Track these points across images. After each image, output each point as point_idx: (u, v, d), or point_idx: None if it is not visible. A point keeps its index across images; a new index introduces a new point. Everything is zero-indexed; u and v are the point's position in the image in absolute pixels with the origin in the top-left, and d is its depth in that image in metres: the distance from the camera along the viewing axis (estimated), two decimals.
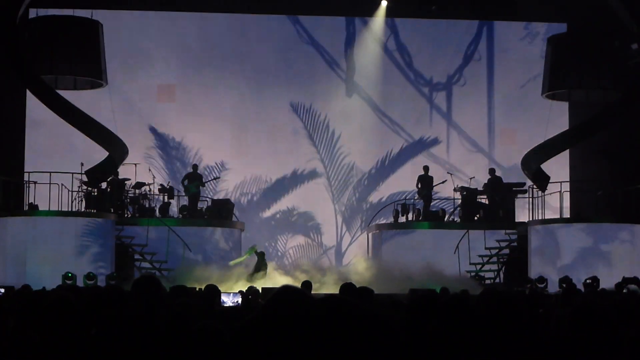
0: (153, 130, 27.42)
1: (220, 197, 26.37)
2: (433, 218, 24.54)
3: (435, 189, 24.97)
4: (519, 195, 24.37)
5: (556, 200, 23.41)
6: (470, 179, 25.39)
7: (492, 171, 24.83)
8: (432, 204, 25.03)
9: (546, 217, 23.35)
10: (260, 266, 22.50)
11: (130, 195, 24.18)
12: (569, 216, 23.53)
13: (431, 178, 24.86)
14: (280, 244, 27.63)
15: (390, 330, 2.90)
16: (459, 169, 27.07)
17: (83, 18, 24.22)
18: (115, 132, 23.28)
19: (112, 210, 23.05)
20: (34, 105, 25.01)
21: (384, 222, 26.07)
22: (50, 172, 22.18)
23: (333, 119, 27.88)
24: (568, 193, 24.18)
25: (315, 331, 2.88)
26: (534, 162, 23.34)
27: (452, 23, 27.81)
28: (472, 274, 23.05)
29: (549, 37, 25.67)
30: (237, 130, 27.65)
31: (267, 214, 27.85)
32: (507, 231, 23.85)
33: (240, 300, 15.06)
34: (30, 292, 10.28)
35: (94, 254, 21.78)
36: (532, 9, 26.27)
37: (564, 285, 17.48)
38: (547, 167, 23.36)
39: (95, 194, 22.98)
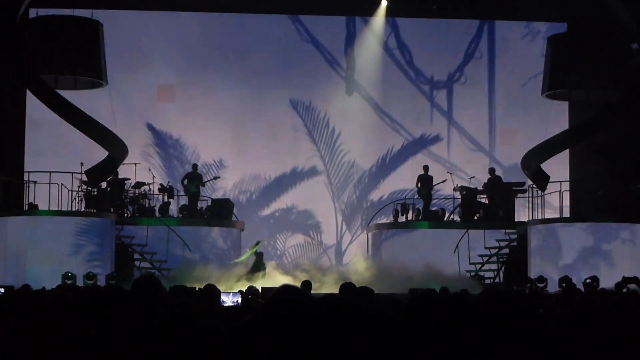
0: (152, 129, 27.39)
1: (219, 195, 26.33)
2: (433, 217, 24.54)
3: (435, 188, 24.97)
4: (519, 195, 24.35)
5: (556, 199, 23.40)
6: (470, 178, 25.36)
7: (492, 171, 24.83)
8: (432, 203, 25.02)
9: (546, 217, 23.35)
10: (259, 267, 22.48)
11: (130, 195, 24.17)
12: (569, 216, 23.53)
13: (431, 177, 24.84)
14: (280, 242, 27.53)
15: (390, 330, 2.90)
16: (459, 168, 27.04)
17: (83, 18, 24.21)
18: (115, 131, 23.27)
19: (111, 210, 23.05)
20: (34, 105, 24.98)
21: (383, 221, 26.05)
22: (50, 172, 22.17)
23: (333, 117, 27.81)
24: (568, 192, 24.15)
25: (314, 331, 2.88)
26: (534, 162, 23.33)
27: (453, 22, 27.76)
28: (472, 273, 23.03)
29: (549, 37, 25.67)
30: (237, 128, 27.58)
31: (266, 212, 27.73)
32: (507, 231, 23.82)
33: (239, 300, 15.05)
34: (30, 291, 10.27)
35: (94, 253, 21.77)
36: (532, 9, 26.25)
37: (564, 284, 17.49)
38: (547, 166, 23.35)
39: (95, 193, 22.98)
